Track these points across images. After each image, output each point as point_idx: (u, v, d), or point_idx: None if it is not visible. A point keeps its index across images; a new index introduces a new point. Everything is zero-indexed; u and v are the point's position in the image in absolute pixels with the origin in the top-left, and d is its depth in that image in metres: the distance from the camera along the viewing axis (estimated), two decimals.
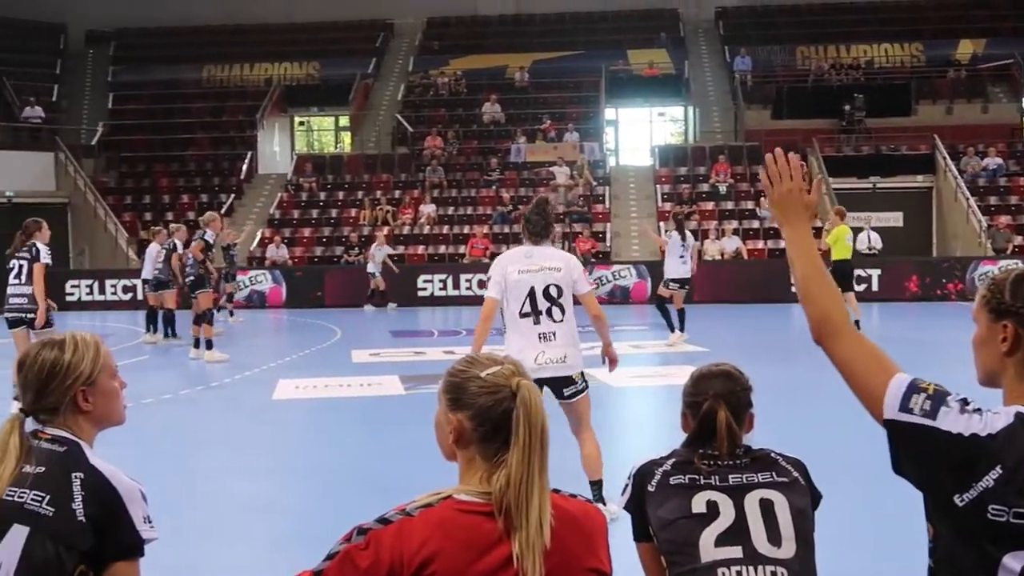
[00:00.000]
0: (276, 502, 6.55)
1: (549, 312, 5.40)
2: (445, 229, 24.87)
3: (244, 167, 27.65)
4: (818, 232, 17.40)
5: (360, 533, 1.88)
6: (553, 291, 5.41)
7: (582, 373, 5.59)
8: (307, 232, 25.14)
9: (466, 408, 1.95)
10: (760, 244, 23.35)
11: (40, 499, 2.30)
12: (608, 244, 24.16)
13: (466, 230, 24.53)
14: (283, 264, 23.11)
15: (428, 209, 25.19)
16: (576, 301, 5.54)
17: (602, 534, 2.02)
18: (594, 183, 26.01)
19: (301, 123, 33.35)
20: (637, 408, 10.17)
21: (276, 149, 31.17)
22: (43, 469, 2.34)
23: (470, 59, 30.95)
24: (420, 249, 24.16)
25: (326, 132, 34.82)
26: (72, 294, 22.57)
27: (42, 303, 9.24)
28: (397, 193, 26.36)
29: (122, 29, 32.44)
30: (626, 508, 2.70)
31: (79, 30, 32.55)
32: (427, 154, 27.23)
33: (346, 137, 32.54)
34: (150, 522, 2.39)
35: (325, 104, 31.67)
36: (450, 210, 25.66)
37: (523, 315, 5.39)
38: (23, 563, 2.27)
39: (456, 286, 22.40)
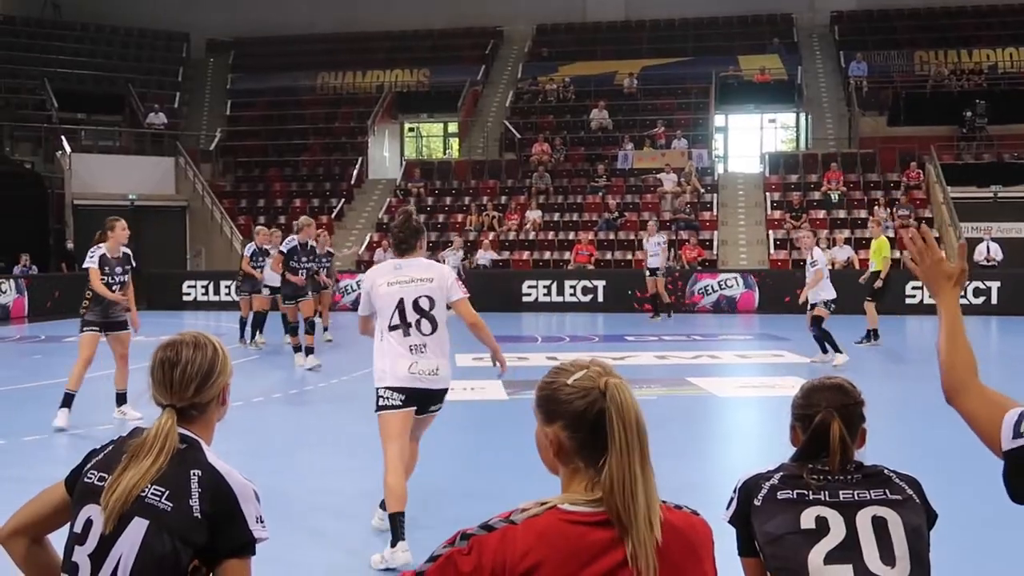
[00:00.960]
0: (377, 496, 6.64)
1: (418, 324, 5.25)
2: (551, 235, 24.91)
3: (355, 172, 28.19)
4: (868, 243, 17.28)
5: (463, 538, 1.90)
6: (424, 303, 5.27)
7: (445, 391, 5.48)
8: None
9: (560, 418, 1.94)
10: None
11: (160, 494, 2.38)
12: (715, 252, 23.85)
13: (571, 236, 24.54)
14: None
15: (534, 215, 25.27)
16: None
17: (708, 546, 1.99)
18: (702, 190, 25.72)
19: (411, 129, 33.82)
20: (742, 419, 10.01)
21: (386, 155, 31.69)
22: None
23: (579, 65, 30.95)
24: (525, 255, 24.25)
25: (435, 138, 35.24)
26: (188, 294, 23.34)
27: (111, 299, 8.86)
28: (503, 199, 26.52)
29: (241, 38, 33.42)
30: (731, 522, 2.66)
31: (200, 39, 33.66)
32: (534, 160, 27.33)
33: (454, 143, 32.88)
34: (262, 522, 2.45)
35: (435, 110, 32.07)
36: (556, 216, 25.70)
37: (392, 328, 5.23)
38: (141, 556, 2.34)
39: (560, 292, 22.42)
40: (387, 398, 5.26)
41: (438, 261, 7.29)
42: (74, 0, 32.43)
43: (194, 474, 2.42)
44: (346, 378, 12.01)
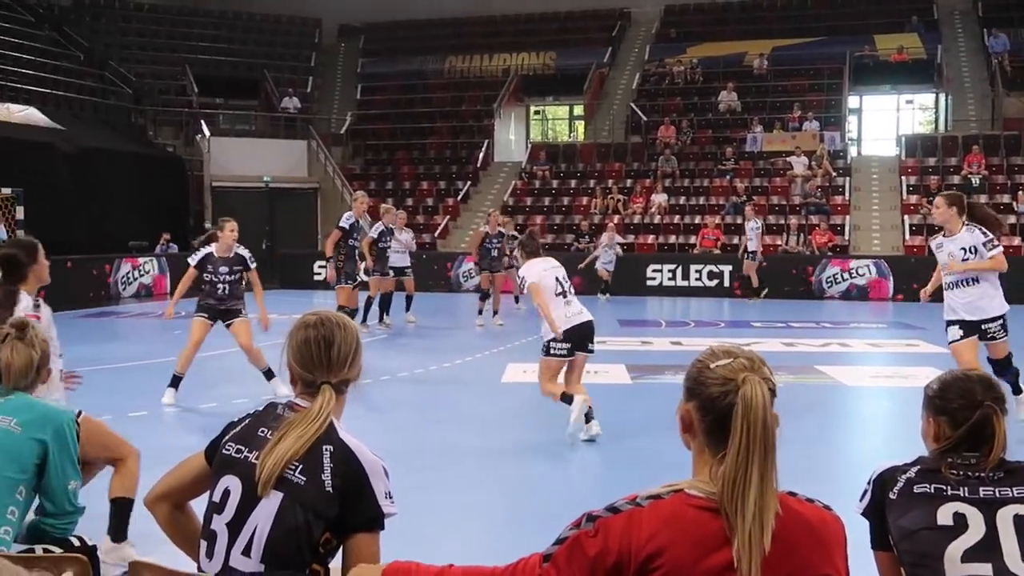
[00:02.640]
0: (504, 481, 6.71)
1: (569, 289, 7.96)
2: (676, 219, 24.62)
3: (480, 155, 28.40)
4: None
5: (589, 520, 1.90)
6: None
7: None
8: (539, 219, 25.55)
9: (695, 397, 1.95)
10: (1016, 241, 21.77)
11: (295, 467, 2.46)
12: (847, 238, 23.19)
13: (697, 220, 24.21)
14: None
15: (659, 199, 25.01)
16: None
17: (839, 542, 1.95)
18: (833, 174, 25.02)
19: (536, 112, 33.86)
20: (874, 409, 9.73)
21: (512, 138, 31.82)
22: None
23: (707, 46, 30.43)
24: (650, 239, 24.04)
25: (560, 121, 35.19)
26: (319, 274, 23.92)
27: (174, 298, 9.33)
28: (629, 182, 26.33)
29: (372, 23, 33.98)
30: (864, 514, 2.60)
31: (332, 25, 34.37)
32: (660, 143, 27.03)
33: (580, 126, 32.77)
34: (391, 497, 2.51)
35: (561, 93, 32.01)
36: (682, 200, 25.39)
37: (557, 295, 7.82)
38: (275, 527, 2.43)
39: (685, 276, 22.16)
40: (556, 348, 7.83)
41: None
42: None
43: (326, 449, 2.49)
44: (469, 359, 12.15)
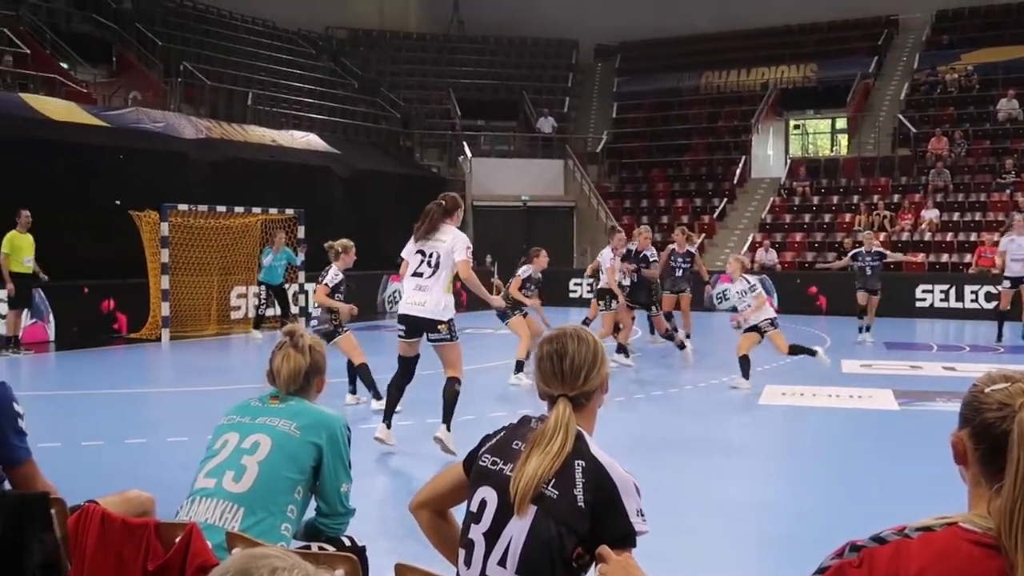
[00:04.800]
0: (759, 506, 6.54)
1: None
2: (948, 236, 23.16)
3: (737, 171, 27.90)
4: None
5: (853, 549, 1.82)
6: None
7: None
8: (798, 237, 24.76)
9: (968, 424, 1.84)
10: None
11: (548, 482, 2.50)
12: None
13: (972, 238, 22.66)
14: (771, 268, 23.00)
15: (930, 215, 23.61)
16: None
17: None
18: None
19: (796, 126, 32.89)
20: None
21: (770, 153, 31.07)
22: None
23: (984, 52, 28.48)
24: (920, 257, 22.72)
25: (822, 135, 34.00)
26: (574, 292, 24.29)
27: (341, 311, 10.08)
28: (896, 197, 25.03)
29: (627, 42, 34.19)
30: None
31: (589, 45, 34.86)
32: (931, 156, 25.54)
33: (843, 139, 31.53)
34: (642, 515, 2.50)
35: (822, 106, 30.95)
36: (955, 216, 23.85)
37: None
38: (530, 540, 2.47)
39: (960, 298, 20.81)
40: None
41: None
42: (477, 15, 34.77)
43: (578, 464, 2.51)
44: (724, 379, 11.93)
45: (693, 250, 15.73)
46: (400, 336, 7.72)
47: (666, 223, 26.32)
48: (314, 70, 28.85)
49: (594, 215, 27.24)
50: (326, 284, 10.03)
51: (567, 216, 27.79)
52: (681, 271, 15.34)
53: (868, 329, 16.19)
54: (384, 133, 28.37)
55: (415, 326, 7.60)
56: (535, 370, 2.70)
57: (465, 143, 28.33)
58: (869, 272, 16.08)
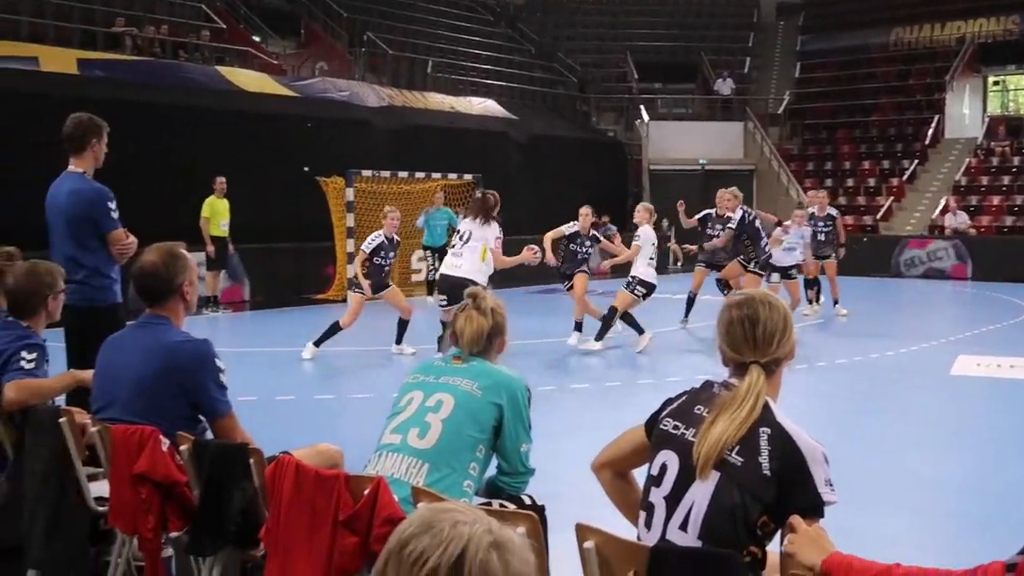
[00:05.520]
0: (954, 480, 6.25)
1: None
2: None
3: (929, 132, 26.52)
4: None
5: None
6: None
7: None
8: (996, 200, 23.38)
9: None
10: None
11: (731, 448, 2.46)
12: None
13: None
14: (963, 232, 21.82)
15: None
16: None
17: None
18: None
19: (996, 83, 30.94)
20: None
21: (965, 112, 29.35)
22: None
23: None
24: None
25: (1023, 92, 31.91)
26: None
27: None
28: None
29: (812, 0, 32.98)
30: None
31: (770, 3, 33.77)
32: None
33: None
34: (831, 485, 2.43)
35: None
36: None
37: None
38: (712, 505, 2.45)
39: None
40: None
41: None
42: None
43: (763, 432, 2.46)
44: (914, 348, 11.44)
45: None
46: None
47: (851, 186, 25.37)
48: (492, 36, 29.09)
49: (775, 178, 26.50)
50: (362, 251, 10.74)
51: (746, 180, 27.09)
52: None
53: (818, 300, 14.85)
54: (560, 98, 28.38)
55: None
56: (721, 334, 2.65)
57: (642, 106, 28.02)
58: (822, 238, 14.53)
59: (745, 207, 12.95)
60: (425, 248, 17.25)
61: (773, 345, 2.59)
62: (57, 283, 4.50)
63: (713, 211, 13.05)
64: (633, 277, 11.13)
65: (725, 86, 28.96)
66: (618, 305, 11.09)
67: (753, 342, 2.59)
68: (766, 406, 2.51)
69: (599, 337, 11.15)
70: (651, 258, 11.18)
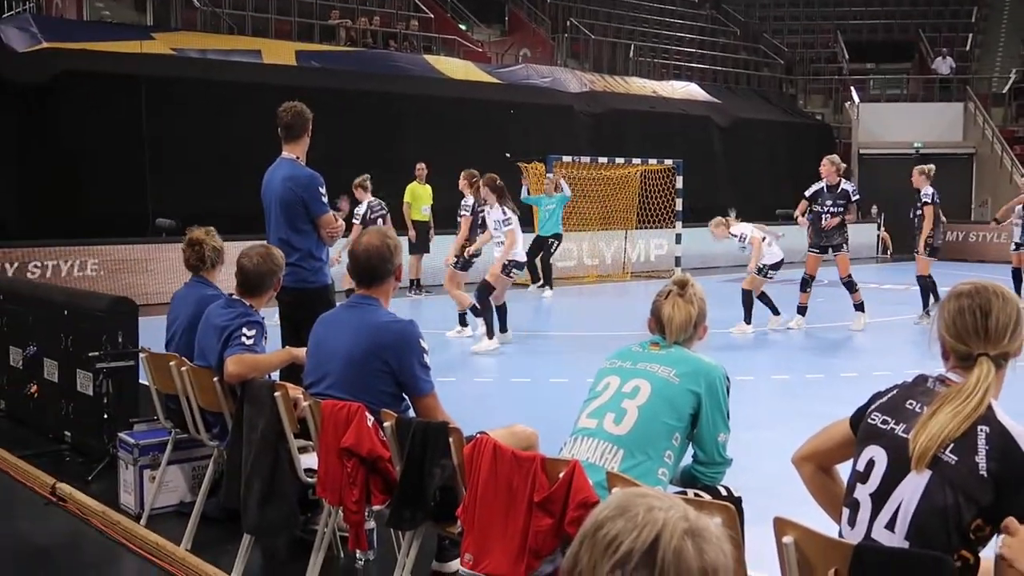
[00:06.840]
0: None
1: None
2: None
3: None
4: None
5: None
6: None
7: None
8: None
9: None
10: None
11: (946, 446, 2.33)
12: None
13: None
14: None
15: None
16: None
17: None
18: None
19: None
20: None
21: None
22: None
23: None
24: None
25: None
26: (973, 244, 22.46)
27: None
28: None
29: None
30: None
31: None
32: None
33: None
34: None
35: None
36: None
37: None
38: (922, 504, 2.33)
39: None
40: None
41: None
42: None
43: (982, 430, 2.33)
44: None
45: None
46: None
47: None
48: (695, 19, 28.65)
49: (997, 162, 24.92)
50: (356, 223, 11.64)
51: (965, 164, 25.61)
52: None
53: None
54: (766, 80, 27.65)
55: None
56: (947, 324, 2.50)
57: (853, 88, 26.93)
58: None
59: (850, 183, 12.13)
60: (549, 239, 15.37)
61: (1005, 338, 2.45)
62: (283, 266, 4.80)
63: (823, 184, 11.67)
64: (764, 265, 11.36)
65: (944, 65, 27.43)
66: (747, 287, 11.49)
67: (985, 333, 2.45)
68: (990, 404, 2.38)
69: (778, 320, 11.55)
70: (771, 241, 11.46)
